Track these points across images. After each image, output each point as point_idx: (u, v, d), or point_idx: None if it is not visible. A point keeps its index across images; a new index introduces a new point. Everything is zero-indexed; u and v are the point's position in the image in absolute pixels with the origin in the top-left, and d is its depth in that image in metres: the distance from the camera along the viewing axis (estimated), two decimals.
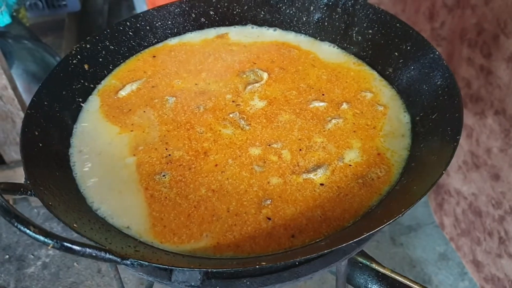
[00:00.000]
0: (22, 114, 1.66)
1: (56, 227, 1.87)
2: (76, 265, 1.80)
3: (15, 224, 0.55)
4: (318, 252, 0.59)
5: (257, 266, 0.58)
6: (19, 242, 1.87)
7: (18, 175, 1.80)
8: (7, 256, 1.84)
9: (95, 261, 0.59)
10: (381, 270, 0.79)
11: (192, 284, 0.65)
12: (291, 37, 1.04)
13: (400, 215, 0.61)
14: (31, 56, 1.97)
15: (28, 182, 0.68)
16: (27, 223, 0.55)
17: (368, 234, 0.59)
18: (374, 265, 0.80)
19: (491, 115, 1.40)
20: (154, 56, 1.01)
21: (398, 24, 0.91)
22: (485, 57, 1.37)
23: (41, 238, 0.55)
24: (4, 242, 1.88)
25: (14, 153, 1.77)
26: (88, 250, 0.56)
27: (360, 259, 0.80)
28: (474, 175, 1.53)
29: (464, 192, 1.61)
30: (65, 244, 0.55)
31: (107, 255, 0.57)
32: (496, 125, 1.39)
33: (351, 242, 0.59)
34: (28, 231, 0.54)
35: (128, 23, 0.99)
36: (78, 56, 0.91)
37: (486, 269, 1.62)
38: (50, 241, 0.55)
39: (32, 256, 1.84)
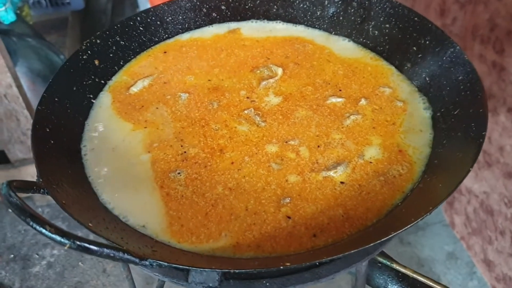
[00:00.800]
0: (26, 113, 1.64)
1: (61, 226, 1.85)
2: (81, 264, 1.79)
3: (31, 224, 0.53)
4: (345, 252, 0.56)
5: (281, 267, 0.55)
6: (23, 241, 1.86)
7: (23, 174, 1.79)
8: (12, 256, 1.82)
9: (111, 261, 0.57)
10: (403, 270, 0.77)
11: (210, 285, 0.64)
12: (305, 32, 1.02)
13: (428, 213, 0.59)
14: (35, 54, 1.95)
15: (41, 180, 0.66)
16: (43, 222, 0.53)
17: (395, 233, 0.57)
18: (395, 265, 0.78)
19: (504, 112, 1.38)
20: (165, 52, 0.99)
21: (416, 18, 0.89)
22: (497, 53, 1.35)
23: (58, 238, 0.53)
24: (9, 242, 1.86)
25: (18, 152, 1.76)
26: (106, 250, 0.54)
27: (380, 259, 0.78)
28: (486, 173, 1.51)
29: (476, 191, 1.59)
30: (82, 244, 0.53)
31: (125, 256, 0.55)
32: (509, 122, 1.37)
33: (378, 242, 0.57)
34: (44, 230, 0.52)
35: (138, 18, 0.97)
36: (89, 52, 0.89)
37: (497, 268, 1.60)
38: (66, 241, 0.53)
39: (37, 256, 1.82)
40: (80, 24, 2.42)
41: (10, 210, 0.55)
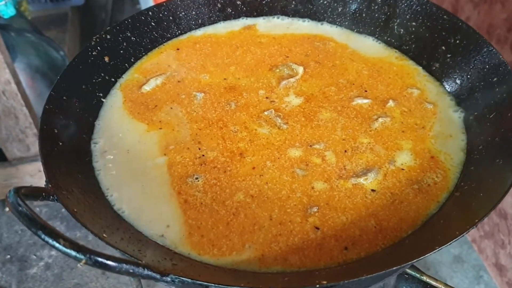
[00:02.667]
0: (25, 110, 1.59)
1: (59, 226, 1.81)
2: (80, 266, 1.73)
3: (42, 237, 0.48)
4: (385, 269, 0.52)
5: (318, 286, 0.51)
6: (21, 242, 1.81)
7: (21, 173, 1.73)
8: (9, 256, 1.77)
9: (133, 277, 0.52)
10: (433, 283, 0.73)
11: None
12: (325, 29, 0.97)
13: (474, 226, 0.54)
14: (34, 50, 1.90)
15: (50, 185, 0.60)
16: (56, 235, 0.48)
17: (439, 248, 0.53)
18: (425, 278, 0.73)
19: None
20: (178, 49, 0.94)
21: (445, 16, 0.84)
22: None
23: (73, 253, 0.48)
24: (5, 242, 1.81)
25: (16, 150, 1.70)
26: (125, 266, 0.49)
27: (408, 271, 0.74)
28: None
29: None
30: (100, 259, 0.48)
31: (146, 271, 0.51)
32: None
33: (420, 258, 0.52)
34: (57, 244, 0.47)
35: (150, 13, 0.92)
36: (98, 48, 0.84)
37: (509, 273, 1.57)
38: (82, 257, 0.48)
39: (34, 257, 1.77)
40: (80, 19, 2.37)
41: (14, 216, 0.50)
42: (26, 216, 0.49)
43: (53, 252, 1.78)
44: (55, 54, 1.98)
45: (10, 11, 1.64)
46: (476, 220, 0.55)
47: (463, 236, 0.54)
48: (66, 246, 0.48)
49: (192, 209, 0.66)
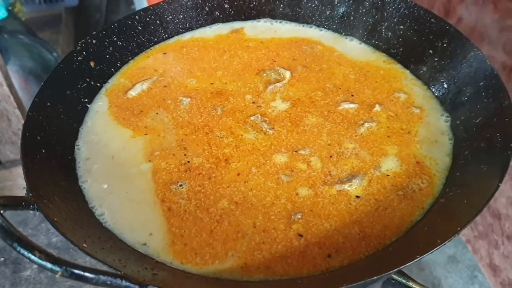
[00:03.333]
0: (18, 112, 1.59)
1: (58, 236, 1.79)
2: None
3: (18, 249, 0.47)
4: (366, 278, 0.51)
5: None
6: None
7: (14, 175, 1.73)
8: (2, 259, 1.76)
9: None
10: None
11: None
12: (312, 33, 0.96)
13: (456, 234, 0.54)
14: (27, 52, 1.90)
15: (30, 194, 0.60)
16: (31, 248, 0.47)
17: (421, 257, 0.52)
18: (411, 283, 0.72)
19: None
20: (164, 53, 0.93)
21: (433, 19, 0.84)
22: (507, 54, 1.31)
23: (48, 265, 0.47)
24: None
25: (9, 153, 1.70)
26: (102, 277, 0.49)
27: (395, 277, 0.73)
28: None
29: None
30: (76, 271, 0.48)
31: (124, 283, 0.50)
32: None
33: (402, 267, 0.52)
34: (33, 257, 0.47)
35: (137, 17, 0.91)
36: (84, 53, 0.83)
37: (503, 273, 1.56)
38: (58, 269, 0.47)
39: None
40: (74, 21, 2.36)
41: None
42: (1, 227, 0.48)
43: None
44: (49, 56, 1.97)
45: (2, 13, 1.63)
46: (459, 228, 0.54)
47: (444, 244, 0.53)
48: (42, 258, 0.47)
49: (175, 216, 0.66)
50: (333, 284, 0.53)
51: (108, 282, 0.49)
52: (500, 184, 0.58)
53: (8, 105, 1.57)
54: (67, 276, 0.47)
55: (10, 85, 1.55)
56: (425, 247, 0.54)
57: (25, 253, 0.47)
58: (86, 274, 0.48)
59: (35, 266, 1.74)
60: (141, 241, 0.64)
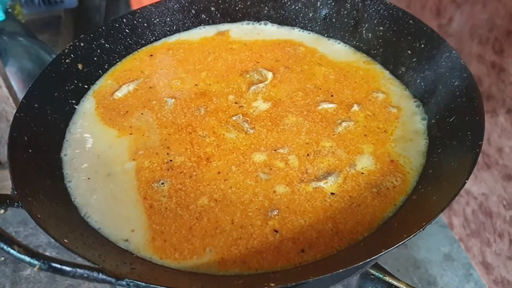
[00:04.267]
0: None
1: None
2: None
3: None
4: (333, 271, 0.53)
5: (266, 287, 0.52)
6: None
7: None
8: (3, 258, 1.78)
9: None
10: (395, 283, 0.74)
11: None
12: (296, 35, 0.99)
13: (421, 229, 0.56)
14: (26, 54, 1.92)
15: (16, 192, 0.62)
16: (11, 242, 0.50)
17: (386, 251, 0.54)
18: (387, 278, 0.75)
19: (503, 114, 1.34)
20: (151, 55, 0.95)
21: (411, 21, 0.86)
22: (497, 53, 1.32)
23: (27, 258, 0.50)
24: None
25: None
26: (79, 271, 0.51)
27: (372, 271, 0.75)
28: (484, 175, 1.48)
29: (474, 192, 1.56)
30: (53, 265, 0.50)
31: (100, 275, 0.52)
32: (508, 124, 1.34)
33: (368, 260, 0.54)
34: (12, 251, 0.50)
35: (124, 20, 0.94)
36: (72, 55, 0.85)
37: (496, 271, 1.58)
38: (36, 262, 0.50)
39: None
40: (74, 22, 2.39)
41: None
42: None
43: (47, 254, 1.79)
44: (48, 58, 2.00)
45: (0, 16, 1.66)
46: (424, 223, 0.56)
47: (410, 238, 0.56)
48: (21, 252, 0.50)
49: (156, 214, 0.68)
50: (304, 276, 0.55)
51: (85, 275, 0.52)
52: (466, 181, 0.60)
53: (7, 106, 1.59)
54: (45, 269, 0.50)
55: (9, 87, 1.57)
56: (391, 242, 0.56)
57: (5, 247, 0.49)
58: (64, 267, 0.50)
59: None
60: (123, 237, 0.66)
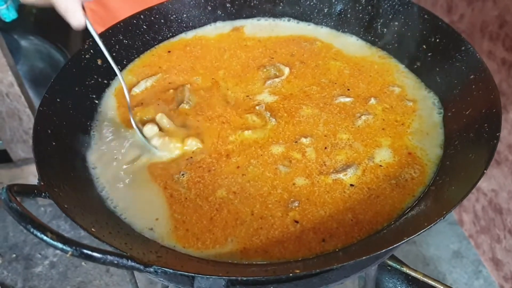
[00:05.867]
0: (29, 112, 1.63)
1: (64, 225, 1.85)
2: (84, 264, 1.77)
3: (31, 230, 0.51)
4: (355, 259, 0.54)
5: (291, 274, 0.54)
6: (26, 241, 1.85)
7: (25, 173, 1.77)
8: (15, 255, 1.81)
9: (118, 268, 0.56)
10: (413, 274, 0.75)
11: None
12: (311, 30, 1.00)
13: (441, 218, 0.57)
14: (38, 53, 1.94)
15: (42, 183, 0.64)
16: (44, 229, 0.51)
17: (407, 239, 0.55)
18: (405, 269, 0.76)
19: None
20: (169, 51, 0.97)
21: (426, 16, 0.87)
22: (507, 50, 1.33)
23: (60, 245, 0.51)
24: (11, 241, 1.85)
25: (21, 151, 1.74)
26: (109, 257, 0.53)
27: (390, 263, 0.76)
28: (494, 171, 1.49)
29: (484, 189, 1.57)
30: (85, 251, 0.51)
31: (129, 262, 0.54)
32: None
33: (389, 248, 0.55)
34: (45, 237, 0.51)
35: (142, 17, 0.95)
36: (91, 51, 0.87)
37: (506, 267, 1.58)
38: (69, 249, 0.51)
39: (39, 255, 1.81)
40: None
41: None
42: (16, 211, 0.52)
43: (58, 251, 1.81)
44: (58, 56, 2.01)
45: (12, 15, 1.67)
46: (444, 212, 0.57)
47: (430, 227, 0.56)
48: (53, 239, 0.51)
49: (177, 203, 0.70)
50: (328, 264, 0.57)
51: (115, 262, 0.53)
52: (485, 171, 0.61)
53: (19, 104, 1.61)
54: (77, 255, 0.51)
55: (21, 85, 1.59)
56: (413, 230, 0.57)
57: (38, 234, 0.51)
58: (94, 254, 0.52)
59: (46, 262, 1.79)
60: (148, 226, 0.68)
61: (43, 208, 1.94)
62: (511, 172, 1.42)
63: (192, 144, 0.77)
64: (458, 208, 1.75)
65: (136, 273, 1.56)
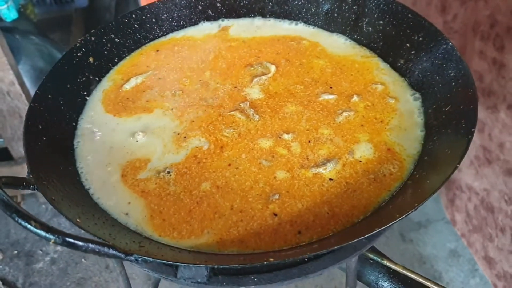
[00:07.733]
0: None
1: (64, 223, 1.87)
2: (84, 260, 1.80)
3: (16, 219, 0.54)
4: (327, 248, 0.57)
5: (265, 262, 0.56)
6: (27, 237, 1.87)
7: (26, 171, 1.79)
8: (16, 252, 1.84)
9: (100, 257, 0.58)
10: (393, 266, 0.77)
11: (199, 280, 0.64)
12: (299, 29, 1.02)
13: (413, 210, 0.59)
14: (38, 52, 1.96)
15: (31, 176, 0.66)
16: (28, 218, 0.53)
17: (379, 229, 0.57)
18: (385, 262, 0.78)
19: (504, 109, 1.36)
20: (157, 51, 0.99)
21: (409, 15, 0.88)
22: (498, 50, 1.34)
23: (43, 233, 0.53)
24: (13, 238, 1.88)
25: (22, 149, 1.76)
26: (91, 245, 0.55)
27: (371, 256, 0.78)
28: (486, 170, 1.50)
29: (476, 188, 1.58)
30: (67, 239, 0.54)
31: (111, 251, 0.56)
32: (509, 119, 1.36)
33: (361, 238, 0.57)
34: (29, 226, 0.53)
35: (133, 16, 0.98)
36: (83, 49, 0.90)
37: (498, 266, 1.59)
38: (51, 237, 0.53)
39: (40, 252, 1.84)
40: (84, 21, 2.43)
41: None
42: (2, 201, 0.55)
43: (59, 248, 1.83)
44: (59, 56, 2.03)
45: (13, 15, 1.69)
46: (416, 205, 0.59)
47: (402, 219, 0.58)
48: (37, 227, 0.53)
49: (152, 196, 0.73)
50: (300, 252, 0.59)
51: (97, 250, 0.55)
52: (458, 165, 0.63)
53: (20, 103, 1.64)
54: (59, 243, 0.53)
55: (22, 84, 1.62)
56: (385, 221, 0.59)
57: (22, 222, 0.53)
58: (77, 242, 0.54)
59: (47, 258, 1.81)
60: (123, 211, 0.71)
61: (44, 206, 1.97)
62: (502, 171, 1.43)
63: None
64: (450, 207, 1.76)
65: (134, 268, 1.58)
